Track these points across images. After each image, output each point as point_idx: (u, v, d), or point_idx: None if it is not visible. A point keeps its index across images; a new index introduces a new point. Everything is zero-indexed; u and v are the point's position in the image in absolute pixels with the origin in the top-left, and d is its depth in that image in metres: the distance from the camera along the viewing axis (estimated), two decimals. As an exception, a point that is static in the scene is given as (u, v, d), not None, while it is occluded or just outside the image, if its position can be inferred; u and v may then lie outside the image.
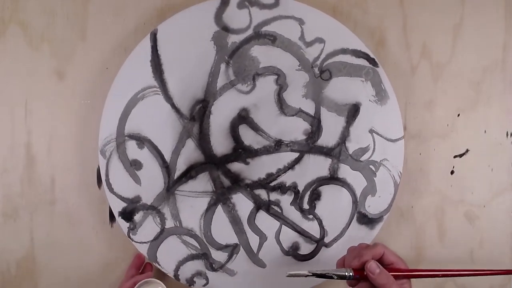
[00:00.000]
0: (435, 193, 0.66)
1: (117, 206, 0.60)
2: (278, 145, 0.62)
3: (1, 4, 0.62)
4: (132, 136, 0.60)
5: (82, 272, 0.64)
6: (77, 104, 0.63)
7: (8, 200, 0.63)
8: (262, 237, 0.62)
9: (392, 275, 0.49)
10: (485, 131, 0.66)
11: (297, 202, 0.62)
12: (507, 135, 0.66)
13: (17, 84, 0.62)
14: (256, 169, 0.62)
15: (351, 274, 0.50)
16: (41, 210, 0.63)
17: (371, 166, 0.63)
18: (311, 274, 0.50)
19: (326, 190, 0.63)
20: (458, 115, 0.66)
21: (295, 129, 0.62)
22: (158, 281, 0.59)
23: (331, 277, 0.50)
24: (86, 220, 0.63)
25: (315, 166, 0.62)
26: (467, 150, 0.66)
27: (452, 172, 0.66)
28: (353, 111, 0.62)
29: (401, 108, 0.63)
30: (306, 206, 0.63)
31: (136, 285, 0.57)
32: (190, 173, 0.61)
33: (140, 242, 0.61)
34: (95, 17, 0.63)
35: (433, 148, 0.66)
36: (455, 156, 0.66)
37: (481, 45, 0.66)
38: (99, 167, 0.60)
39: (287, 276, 0.50)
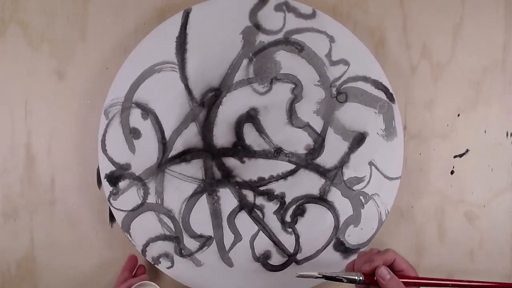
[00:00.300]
0: (435, 193, 0.61)
1: (106, 168, 0.56)
2: (277, 153, 0.58)
3: (1, 4, 0.58)
4: (139, 105, 0.56)
5: (82, 272, 0.60)
6: (77, 104, 0.59)
7: (8, 200, 0.59)
8: (237, 237, 0.58)
9: (402, 281, 0.46)
10: (485, 131, 0.62)
11: (280, 212, 0.58)
12: (507, 135, 0.62)
13: (17, 84, 0.58)
14: (249, 170, 0.58)
15: (361, 278, 0.46)
16: (41, 210, 0.59)
17: (361, 197, 0.58)
18: (321, 276, 0.47)
19: (312, 209, 0.58)
20: (458, 115, 0.62)
21: (298, 142, 0.58)
22: (153, 283, 0.53)
23: (341, 280, 0.47)
24: (86, 220, 0.59)
25: (308, 183, 0.58)
26: (467, 150, 0.62)
27: (452, 172, 0.62)
28: (359, 139, 0.58)
29: (401, 108, 0.58)
30: (288, 218, 0.58)
31: None
32: (185, 156, 0.57)
33: (117, 209, 0.57)
34: (95, 17, 0.58)
35: (433, 148, 0.61)
36: (455, 156, 0.62)
37: (481, 45, 0.61)
38: (99, 167, 0.56)
39: (297, 276, 0.47)
